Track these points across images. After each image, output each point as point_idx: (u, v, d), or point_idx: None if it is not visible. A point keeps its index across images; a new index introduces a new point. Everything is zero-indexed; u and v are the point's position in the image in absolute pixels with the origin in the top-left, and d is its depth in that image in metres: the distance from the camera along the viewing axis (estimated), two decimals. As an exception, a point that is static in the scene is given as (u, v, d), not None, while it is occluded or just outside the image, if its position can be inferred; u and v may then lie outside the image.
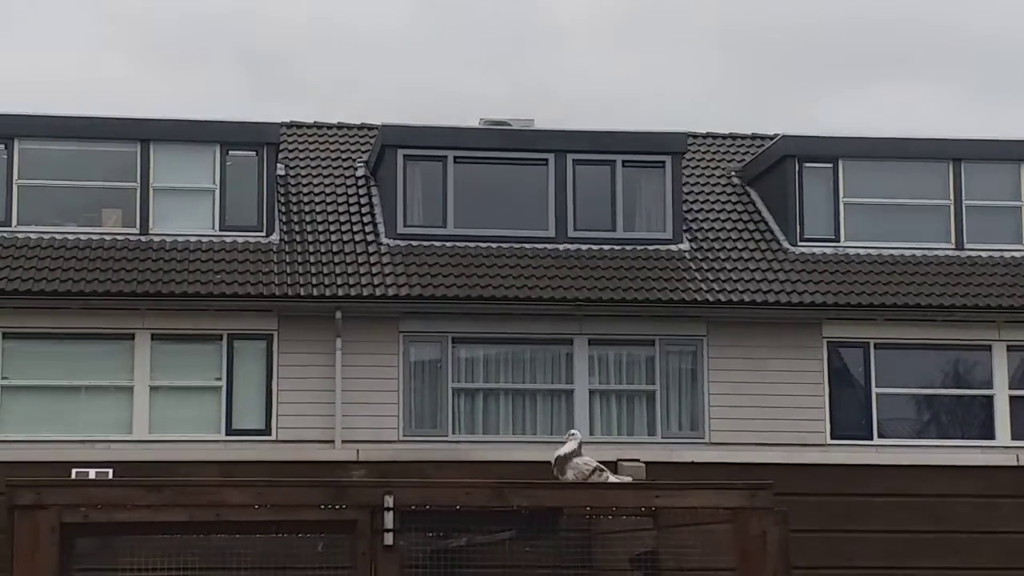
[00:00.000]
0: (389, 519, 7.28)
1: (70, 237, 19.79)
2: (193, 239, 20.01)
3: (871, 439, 19.89)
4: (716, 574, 8.00)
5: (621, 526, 8.47)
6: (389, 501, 7.29)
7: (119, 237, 19.91)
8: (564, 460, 8.42)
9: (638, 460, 9.65)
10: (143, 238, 19.94)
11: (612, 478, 8.42)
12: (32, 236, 19.72)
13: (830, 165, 21.25)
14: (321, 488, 7.39)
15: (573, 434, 8.78)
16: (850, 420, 19.98)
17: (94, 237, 19.85)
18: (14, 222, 19.84)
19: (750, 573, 7.54)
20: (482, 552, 8.26)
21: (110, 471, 8.87)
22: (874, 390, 20.16)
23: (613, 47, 46.77)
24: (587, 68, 45.30)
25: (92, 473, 8.71)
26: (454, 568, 8.17)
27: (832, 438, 19.76)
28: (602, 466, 8.45)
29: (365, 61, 45.67)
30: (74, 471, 8.73)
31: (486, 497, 7.50)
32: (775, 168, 21.73)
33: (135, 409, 19.10)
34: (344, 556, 7.83)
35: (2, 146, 19.99)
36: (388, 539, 7.28)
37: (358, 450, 9.42)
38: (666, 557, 8.41)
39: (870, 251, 20.99)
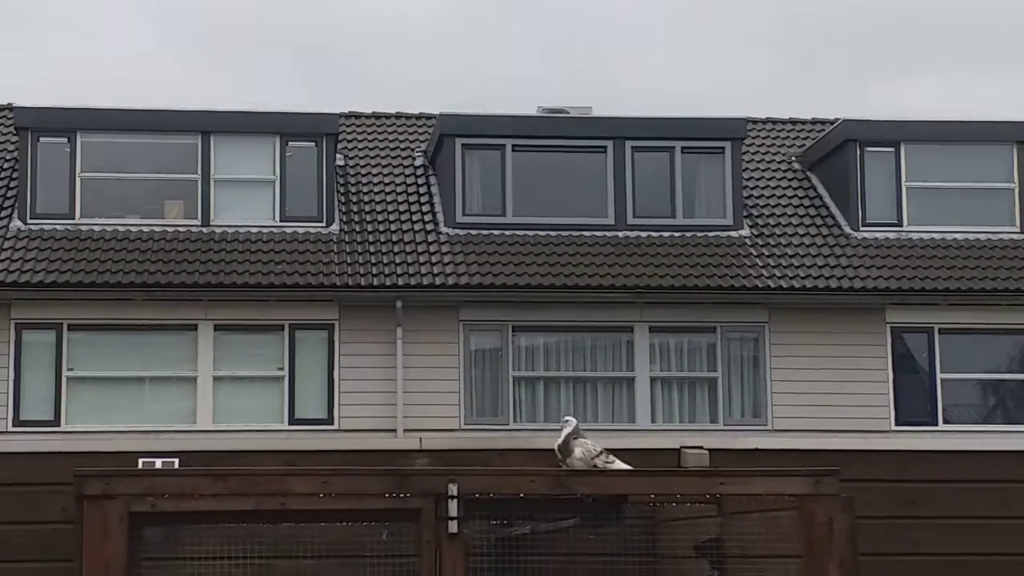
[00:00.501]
0: (454, 507, 7.28)
1: (132, 229, 19.95)
2: (254, 230, 20.12)
3: (936, 425, 19.72)
4: (782, 561, 7.94)
5: (685, 513, 8.43)
6: (453, 489, 7.29)
7: (181, 229, 20.05)
8: (567, 442, 8.41)
9: (701, 447, 9.60)
10: (205, 229, 20.08)
11: (617, 463, 8.38)
12: (95, 228, 19.90)
13: (892, 149, 21.06)
14: (386, 476, 7.40)
15: (568, 420, 8.80)
16: (914, 406, 19.81)
17: (156, 229, 20.00)
18: (77, 215, 20.03)
19: (816, 560, 7.48)
20: (546, 540, 8.25)
21: (176, 461, 8.92)
22: (939, 375, 19.97)
23: (667, 35, 46.56)
24: (642, 56, 45.13)
25: (159, 463, 8.77)
26: (518, 556, 8.16)
27: (896, 424, 19.61)
28: (607, 450, 8.42)
29: (420, 51, 45.75)
30: (140, 461, 8.79)
31: (550, 485, 7.48)
32: (836, 152, 21.56)
33: (199, 399, 19.25)
34: (408, 544, 7.84)
35: (65, 139, 20.18)
36: (453, 527, 7.28)
37: (421, 438, 9.41)
38: (731, 544, 8.36)
39: (933, 235, 20.79)
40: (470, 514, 7.51)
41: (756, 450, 10.15)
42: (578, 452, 8.27)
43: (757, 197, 21.71)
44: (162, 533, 7.96)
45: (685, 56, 45.70)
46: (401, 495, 7.33)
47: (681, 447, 9.51)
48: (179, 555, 7.83)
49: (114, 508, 6.77)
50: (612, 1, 45.49)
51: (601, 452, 8.27)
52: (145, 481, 7.12)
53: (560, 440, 8.45)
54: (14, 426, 18.77)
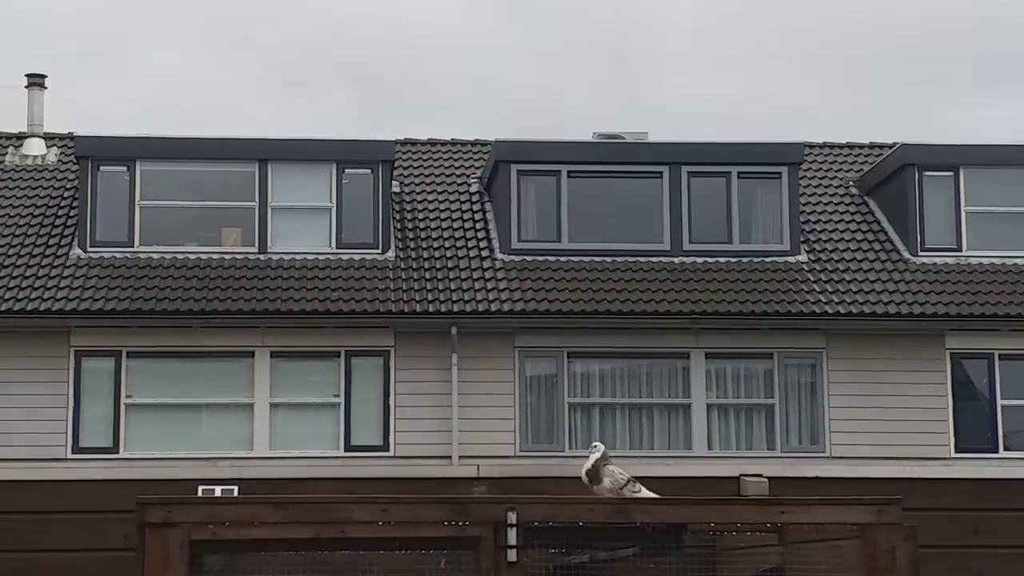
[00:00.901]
0: (512, 535, 7.27)
1: (191, 256, 20.10)
2: (311, 257, 20.22)
3: (996, 452, 19.49)
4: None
5: (746, 542, 8.37)
6: (512, 517, 7.29)
7: (238, 256, 20.17)
8: (597, 469, 8.36)
9: (761, 475, 9.55)
10: (262, 256, 20.19)
11: (644, 492, 8.32)
12: (154, 256, 20.06)
13: (951, 173, 20.90)
14: (445, 505, 7.41)
15: (596, 446, 8.76)
16: (975, 433, 19.58)
17: (214, 256, 20.13)
18: (136, 242, 20.19)
19: (879, 590, 7.42)
20: (604, 568, 8.21)
21: (235, 488, 8.97)
22: (999, 402, 19.74)
23: (718, 61, 46.47)
24: (693, 83, 45.06)
25: (218, 491, 8.82)
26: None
27: (956, 451, 19.38)
28: (634, 478, 8.38)
29: (473, 79, 45.89)
30: (200, 488, 8.85)
31: (609, 513, 7.46)
32: (894, 177, 21.41)
33: (255, 426, 19.32)
34: (466, 572, 7.83)
35: (124, 168, 20.37)
36: (512, 555, 7.28)
37: (478, 466, 9.42)
38: (791, 573, 8.30)
39: (993, 260, 20.59)
40: (529, 542, 7.50)
41: (816, 478, 10.07)
42: (607, 483, 8.27)
43: (814, 222, 21.60)
44: (222, 561, 7.99)
45: (738, 82, 45.58)
46: (460, 523, 7.33)
47: (741, 475, 9.46)
48: (238, 582, 7.86)
49: (175, 536, 6.81)
50: (659, 31, 45.50)
51: (629, 481, 8.25)
52: (205, 509, 7.16)
53: (588, 466, 8.42)
54: (73, 453, 18.91)
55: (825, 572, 7.94)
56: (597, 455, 8.51)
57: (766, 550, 8.41)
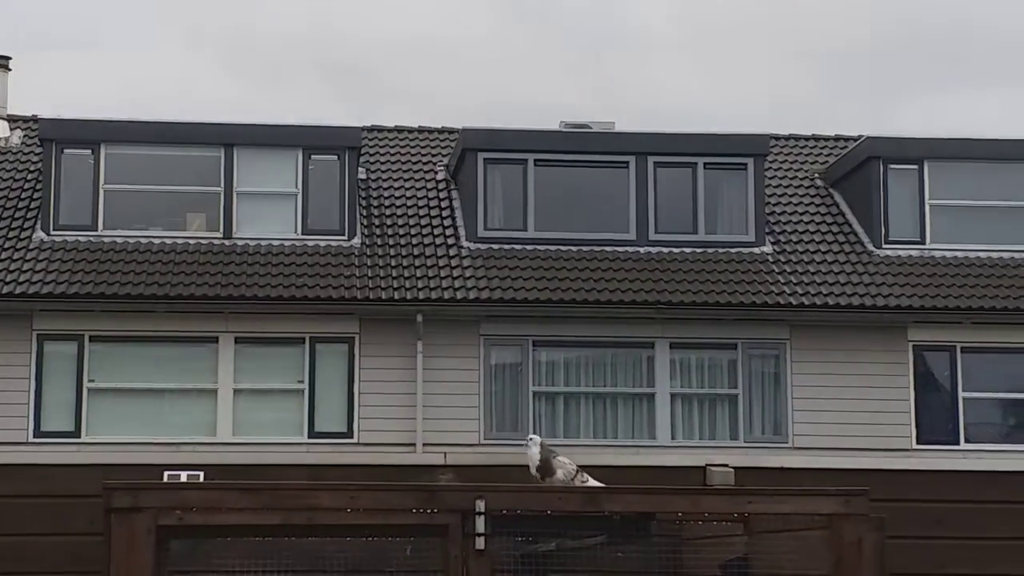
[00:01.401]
0: (481, 523, 7.28)
1: (155, 241, 19.99)
2: (276, 243, 20.14)
3: (958, 444, 19.63)
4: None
5: (711, 532, 8.40)
6: (481, 505, 7.29)
7: (203, 241, 20.07)
8: (548, 461, 8.41)
9: (726, 465, 9.59)
10: (227, 242, 20.10)
11: (591, 482, 8.37)
12: (118, 240, 19.93)
13: (915, 167, 21.00)
14: (413, 492, 7.41)
15: (532, 438, 8.81)
16: (937, 425, 19.71)
17: (179, 241, 20.03)
18: (100, 226, 20.06)
19: (845, 580, 7.45)
20: (572, 556, 8.23)
21: (201, 474, 8.93)
22: (960, 394, 19.88)
23: (691, 54, 46.56)
24: (665, 75, 45.13)
25: (184, 476, 8.78)
26: (544, 572, 8.14)
27: (918, 443, 19.51)
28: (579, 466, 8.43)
29: (445, 70, 45.82)
30: (166, 474, 8.81)
31: (578, 502, 7.47)
32: (859, 170, 21.51)
33: (219, 412, 19.24)
34: (432, 559, 7.84)
35: (89, 151, 20.22)
36: (480, 543, 7.28)
37: (445, 454, 9.41)
38: (757, 563, 8.33)
39: (956, 254, 20.72)
40: (496, 530, 7.50)
41: (781, 468, 10.12)
42: (560, 474, 8.32)
43: (779, 214, 21.67)
44: (188, 546, 7.96)
45: (706, 73, 45.70)
46: (428, 511, 7.33)
47: (707, 465, 9.50)
48: (205, 568, 7.83)
49: (142, 521, 6.78)
50: (633, 23, 45.53)
51: (578, 472, 8.29)
52: (173, 494, 7.13)
53: (537, 459, 8.44)
54: (35, 437, 18.78)
55: (791, 562, 7.99)
56: (537, 449, 8.53)
57: (732, 540, 8.44)
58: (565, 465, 8.39)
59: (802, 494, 7.68)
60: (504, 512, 7.41)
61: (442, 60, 45.78)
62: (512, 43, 46.15)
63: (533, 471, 8.59)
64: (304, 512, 7.13)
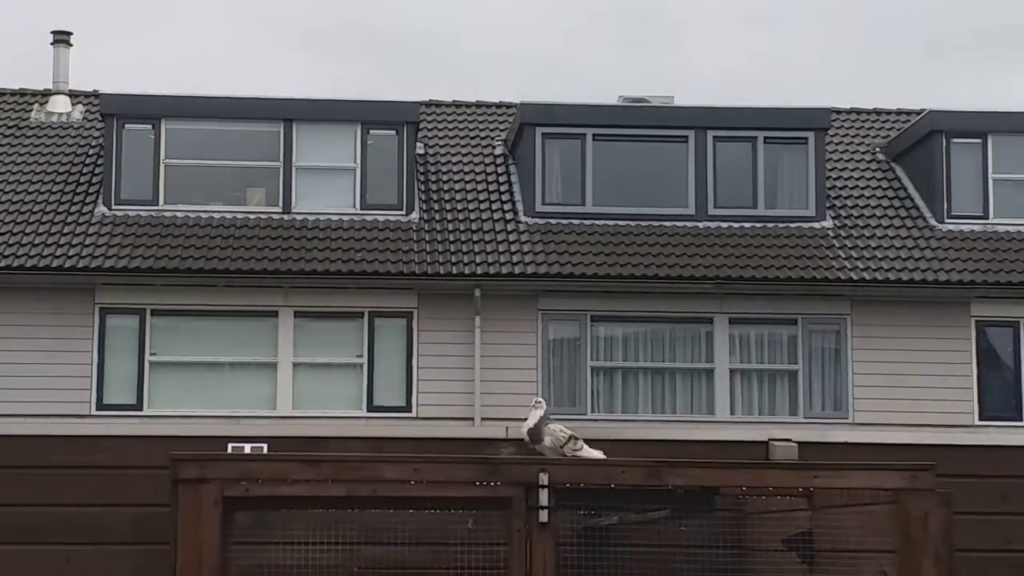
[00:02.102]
0: (544, 496, 7.26)
1: (215, 216, 20.10)
2: (335, 217, 20.20)
3: (1020, 420, 19.44)
4: (874, 556, 7.85)
5: (775, 506, 8.34)
6: (544, 479, 7.28)
7: (263, 215, 20.17)
8: (539, 429, 8.32)
9: (790, 440, 9.50)
10: (286, 216, 20.18)
11: (586, 449, 8.27)
12: (178, 215, 20.06)
13: (979, 140, 20.77)
14: (476, 465, 7.40)
15: (539, 402, 8.72)
16: (999, 400, 19.53)
17: (238, 215, 20.13)
18: (161, 201, 20.20)
19: (911, 556, 7.39)
20: (634, 530, 8.20)
21: (265, 446, 8.96)
22: (1024, 370, 19.69)
23: (746, 27, 46.21)
24: (722, 49, 44.83)
25: (247, 448, 8.81)
26: (605, 546, 8.12)
27: (980, 419, 19.35)
28: (576, 435, 8.32)
29: (501, 44, 45.71)
30: (230, 446, 8.83)
31: (642, 476, 7.44)
32: (922, 144, 21.29)
33: (279, 385, 19.36)
34: (493, 532, 7.83)
35: (149, 126, 20.36)
36: (543, 516, 7.27)
37: (507, 427, 9.38)
38: (821, 538, 8.26)
39: (1020, 228, 20.49)
40: (558, 504, 7.48)
41: (844, 443, 10.03)
42: (548, 440, 8.25)
43: (840, 188, 21.50)
44: (251, 517, 8.00)
45: (763, 46, 45.35)
46: (492, 483, 7.32)
47: (769, 440, 9.42)
48: (268, 539, 7.87)
49: (209, 492, 6.82)
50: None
51: (569, 439, 8.21)
52: (239, 466, 7.16)
53: (531, 424, 8.38)
54: (97, 410, 18.98)
55: (856, 537, 7.92)
56: (540, 412, 8.46)
57: (795, 515, 8.38)
58: (555, 432, 8.32)
59: (868, 468, 7.60)
60: (567, 485, 7.39)
61: (494, 32, 45.70)
62: (564, 16, 45.99)
63: (524, 436, 8.55)
64: (368, 484, 7.14)
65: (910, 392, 19.21)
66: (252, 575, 7.65)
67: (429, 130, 22.59)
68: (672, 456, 8.38)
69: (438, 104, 23.48)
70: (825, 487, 7.61)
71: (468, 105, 23.62)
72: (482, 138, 22.60)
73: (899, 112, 23.66)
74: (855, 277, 19.50)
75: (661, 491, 7.71)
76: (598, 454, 8.23)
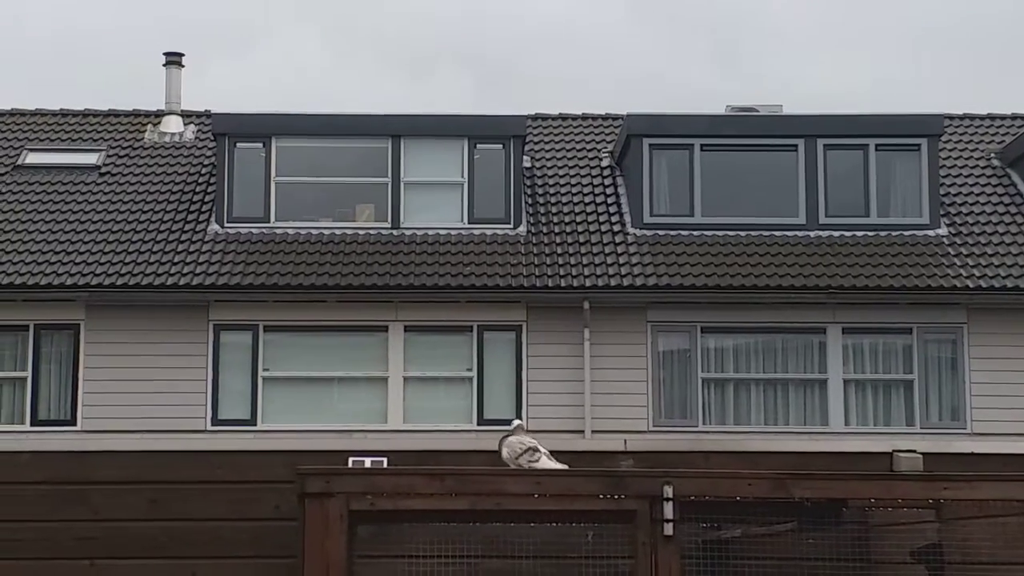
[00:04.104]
0: (669, 509, 7.20)
1: (325, 232, 20.27)
2: (443, 232, 20.27)
3: None
4: (1008, 569, 7.68)
5: (902, 518, 8.19)
6: (669, 491, 7.21)
7: (372, 231, 20.30)
8: (501, 442, 8.27)
9: (914, 451, 9.33)
10: (395, 232, 20.29)
11: (545, 460, 8.13)
12: (289, 231, 20.26)
13: (1098, 143, 20.33)
14: (599, 478, 7.35)
15: (513, 422, 8.68)
16: (1122, 410, 19.06)
17: (348, 231, 20.28)
18: (272, 218, 20.41)
19: (1046, 568, 7.22)
20: (759, 544, 8.09)
21: (384, 460, 8.98)
22: None
23: (839, 37, 45.72)
24: (817, 59, 44.38)
25: (368, 462, 8.84)
26: (730, 559, 8.03)
27: (1104, 429, 18.89)
28: (537, 447, 8.18)
29: (588, 59, 45.69)
30: (350, 460, 8.86)
31: (768, 488, 7.34)
32: (1038, 149, 20.89)
33: (390, 400, 19.45)
34: (615, 546, 7.77)
35: (260, 145, 20.59)
36: (668, 529, 7.20)
37: (625, 440, 9.32)
38: (950, 550, 8.10)
39: None
40: (681, 517, 7.41)
41: (970, 454, 9.82)
42: (504, 452, 8.18)
43: (955, 195, 21.14)
44: (373, 531, 8.02)
45: (858, 57, 44.81)
46: (615, 496, 7.27)
47: (894, 451, 9.26)
48: (392, 553, 7.88)
49: (335, 506, 6.85)
50: (777, 6, 44.87)
51: (526, 451, 8.10)
52: (364, 480, 7.19)
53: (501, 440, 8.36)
54: (212, 425, 19.21)
55: (987, 550, 7.76)
56: (513, 428, 8.46)
57: (922, 527, 8.23)
58: (512, 444, 8.24)
59: (999, 479, 7.44)
60: (692, 498, 7.31)
61: (580, 49, 45.69)
62: (645, 27, 45.85)
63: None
64: (491, 497, 7.13)
65: (1030, 402, 18.82)
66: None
67: (535, 143, 22.60)
68: (795, 468, 8.27)
69: (544, 117, 23.49)
70: (956, 498, 7.45)
71: (574, 118, 23.61)
72: (588, 150, 22.56)
73: (1014, 117, 23.24)
74: (971, 285, 19.16)
75: (788, 504, 7.60)
76: (559, 466, 8.14)
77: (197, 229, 20.38)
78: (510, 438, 8.38)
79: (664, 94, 43.46)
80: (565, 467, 8.07)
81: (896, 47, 45.13)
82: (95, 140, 22.68)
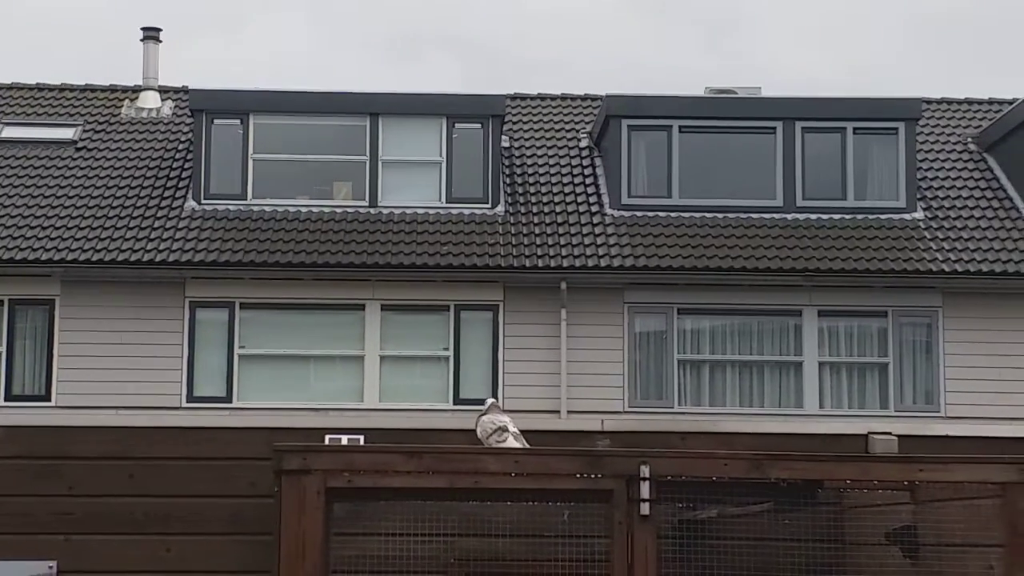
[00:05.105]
0: (646, 489, 7.21)
1: (302, 210, 20.22)
2: (420, 211, 20.24)
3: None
4: (981, 550, 7.72)
5: (877, 500, 8.23)
6: (646, 471, 7.22)
7: (349, 209, 20.26)
8: (477, 420, 8.31)
9: (890, 433, 9.37)
10: (372, 210, 20.26)
11: (511, 440, 8.16)
12: (266, 209, 20.20)
13: (1076, 129, 20.41)
14: (578, 457, 7.35)
15: (487, 401, 8.70)
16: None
17: (325, 210, 20.23)
18: (249, 195, 20.34)
19: (1019, 550, 7.26)
20: (735, 524, 8.12)
21: (361, 438, 8.97)
22: (1118, 363, 19.30)
23: (821, 21, 45.74)
24: (799, 42, 44.39)
25: (344, 439, 8.83)
26: (706, 539, 8.05)
27: (1078, 412, 19.00)
28: (506, 426, 8.20)
29: (575, 40, 45.62)
30: (327, 437, 8.85)
31: (744, 469, 7.36)
32: (1015, 133, 20.95)
33: (366, 378, 19.44)
34: (590, 525, 7.79)
35: (237, 121, 20.50)
36: (644, 509, 7.22)
37: (602, 420, 9.34)
38: (925, 532, 8.15)
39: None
40: (657, 497, 7.42)
41: (944, 437, 9.87)
42: (478, 432, 8.21)
43: (931, 179, 21.21)
44: (348, 509, 8.01)
45: (840, 41, 44.85)
46: (592, 476, 7.28)
47: (869, 433, 9.29)
48: (367, 531, 7.88)
49: (312, 483, 6.84)
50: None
51: (496, 431, 8.14)
52: (342, 457, 7.18)
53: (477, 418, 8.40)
54: (188, 402, 19.17)
55: (961, 532, 7.80)
56: (487, 407, 8.48)
57: (897, 508, 8.27)
58: (483, 424, 8.28)
59: (975, 462, 7.48)
60: (669, 478, 7.33)
61: (567, 28, 45.60)
62: (632, 11, 45.78)
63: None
64: (470, 476, 7.13)
65: (1004, 385, 18.92)
66: (350, 565, 7.66)
67: (514, 123, 22.57)
68: (771, 449, 8.29)
69: (523, 97, 23.46)
70: (931, 480, 7.49)
71: (553, 98, 23.58)
72: (567, 131, 22.55)
73: (991, 102, 23.30)
74: (947, 269, 19.24)
75: (763, 484, 7.63)
76: (523, 445, 8.15)
77: (174, 206, 20.30)
78: (483, 417, 8.40)
79: (648, 78, 43.44)
80: (524, 446, 8.07)
81: (877, 33, 45.19)
82: (71, 115, 22.56)
